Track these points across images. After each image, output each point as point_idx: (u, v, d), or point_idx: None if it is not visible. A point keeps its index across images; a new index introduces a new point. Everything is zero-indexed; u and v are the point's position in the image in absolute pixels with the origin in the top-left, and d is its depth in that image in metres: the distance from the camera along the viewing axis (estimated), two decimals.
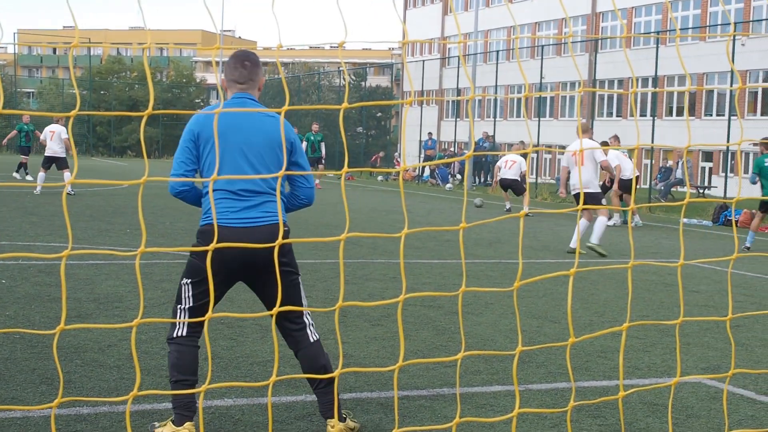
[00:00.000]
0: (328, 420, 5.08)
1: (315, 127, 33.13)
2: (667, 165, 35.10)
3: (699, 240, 18.97)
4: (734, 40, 27.96)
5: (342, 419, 5.11)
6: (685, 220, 19.52)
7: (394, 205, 25.00)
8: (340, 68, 66.24)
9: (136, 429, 5.14)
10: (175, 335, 5.02)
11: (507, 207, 25.03)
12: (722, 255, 15.61)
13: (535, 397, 6.14)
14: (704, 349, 7.89)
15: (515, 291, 2.69)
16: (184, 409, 4.94)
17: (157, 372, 6.39)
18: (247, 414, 5.50)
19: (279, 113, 4.75)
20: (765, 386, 6.70)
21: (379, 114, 60.25)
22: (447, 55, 60.54)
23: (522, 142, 33.68)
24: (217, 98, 74.19)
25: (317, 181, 33.10)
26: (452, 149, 50.26)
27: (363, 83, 64.52)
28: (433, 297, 9.61)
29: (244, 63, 5.16)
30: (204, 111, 4.87)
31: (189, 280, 4.99)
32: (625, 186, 20.54)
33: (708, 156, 44.91)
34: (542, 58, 37.00)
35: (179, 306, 5.04)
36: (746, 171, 37.06)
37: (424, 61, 49.80)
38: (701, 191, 35.17)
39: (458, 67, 45.21)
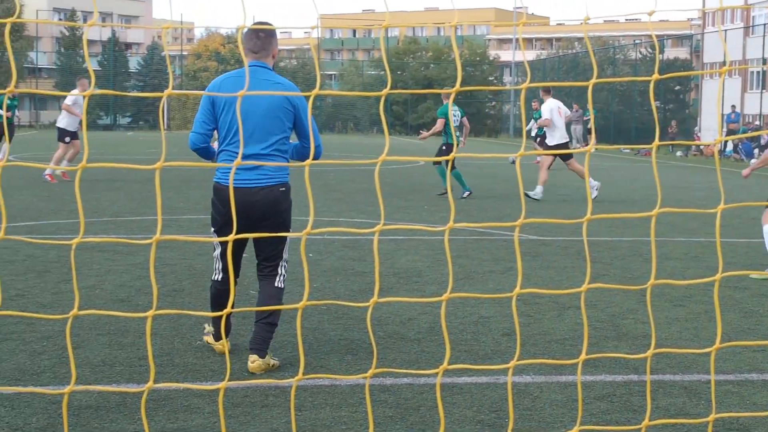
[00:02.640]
0: (251, 354, 5.77)
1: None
2: None
3: None
4: None
5: (263, 356, 5.76)
6: None
7: (694, 182, 24.11)
8: (636, 41, 64.54)
9: (435, 401, 5.25)
10: (213, 279, 6.06)
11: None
12: None
13: None
14: None
15: None
16: (219, 333, 5.97)
17: (459, 346, 6.50)
18: (545, 391, 5.49)
19: (287, 81, 5.91)
20: None
21: (677, 87, 58.22)
22: (751, 24, 57.48)
23: None
24: (510, 75, 74.29)
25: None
26: (757, 122, 47.76)
27: (660, 56, 62.44)
28: (739, 277, 9.17)
29: (258, 34, 5.75)
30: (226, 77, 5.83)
31: (212, 230, 5.97)
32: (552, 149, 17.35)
33: None
34: None
35: (213, 253, 6.08)
36: None
37: (726, 30, 47.55)
38: None
39: (764, 36, 42.85)
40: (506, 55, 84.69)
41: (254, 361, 5.71)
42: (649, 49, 64.53)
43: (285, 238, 5.90)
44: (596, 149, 33.72)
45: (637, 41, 64.45)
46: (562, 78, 60.86)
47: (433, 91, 2.73)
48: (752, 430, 4.88)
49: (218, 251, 5.97)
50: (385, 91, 2.51)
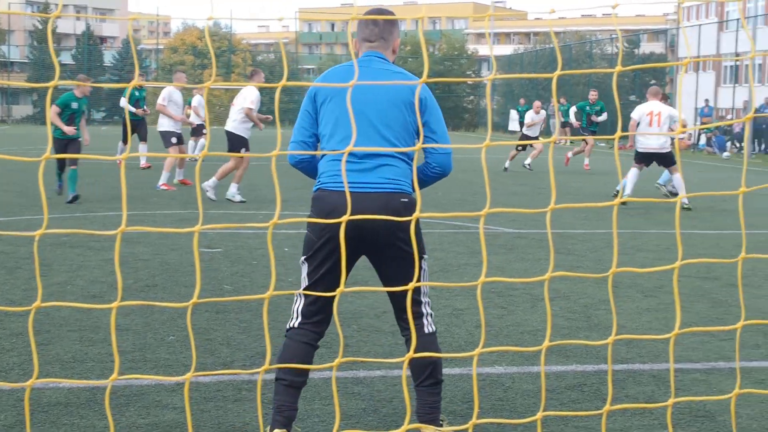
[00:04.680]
0: (422, 426, 4.46)
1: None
2: None
3: None
4: None
5: (438, 424, 4.52)
6: None
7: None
8: (613, 35, 64.81)
9: (411, 393, 5.28)
10: (288, 326, 4.50)
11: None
12: None
13: None
14: None
15: None
16: (276, 412, 4.43)
17: None
18: (518, 382, 5.52)
19: (408, 72, 4.43)
20: None
21: (653, 81, 58.51)
22: (725, 19, 57.81)
23: None
24: (489, 70, 74.35)
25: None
26: (730, 116, 48.08)
27: (636, 50, 62.79)
28: (709, 268, 9.27)
29: (376, 20, 4.58)
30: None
31: (303, 257, 4.46)
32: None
33: None
34: None
35: (298, 291, 4.49)
36: None
37: (700, 25, 47.79)
38: None
39: (737, 31, 43.10)
40: (485, 50, 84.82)
41: None
42: (626, 44, 64.77)
43: (421, 269, 4.48)
44: (571, 142, 33.81)
45: (613, 36, 64.69)
46: (540, 72, 60.99)
47: (402, 82, 2.74)
48: (717, 416, 4.95)
49: (304, 285, 4.44)
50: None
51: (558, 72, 2.85)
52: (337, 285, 4.33)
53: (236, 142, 14.34)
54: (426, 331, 4.49)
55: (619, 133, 2.64)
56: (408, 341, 4.49)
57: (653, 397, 5.27)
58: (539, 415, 2.54)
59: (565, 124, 30.70)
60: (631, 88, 53.68)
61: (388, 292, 4.53)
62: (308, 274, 4.42)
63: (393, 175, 4.36)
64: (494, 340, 6.47)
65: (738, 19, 45.71)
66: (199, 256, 9.56)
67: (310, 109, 4.51)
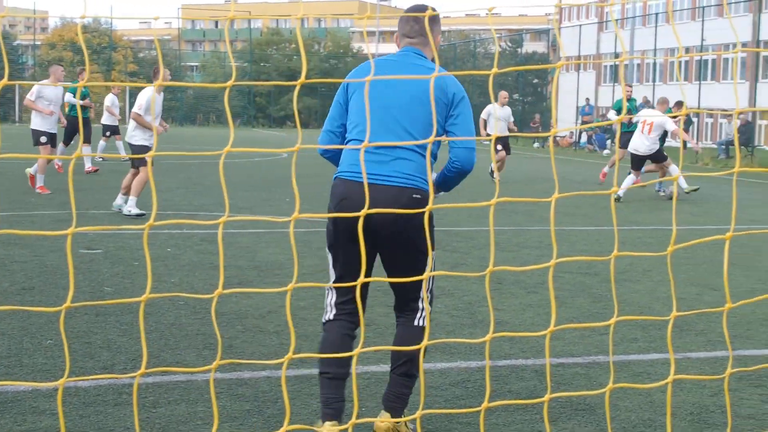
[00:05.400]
0: (383, 410, 4.54)
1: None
2: None
3: None
4: None
5: (396, 415, 4.53)
6: None
7: (551, 173, 24.71)
8: (496, 35, 65.83)
9: (293, 393, 5.26)
10: (324, 320, 4.57)
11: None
12: None
13: (694, 366, 6.00)
14: None
15: (669, 256, 2.62)
16: (324, 406, 4.46)
17: (315, 338, 6.50)
18: None
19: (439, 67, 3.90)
20: None
21: (536, 81, 59.60)
22: (605, 19, 59.23)
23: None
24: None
25: None
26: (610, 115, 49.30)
27: (519, 50, 63.87)
28: (589, 264, 9.47)
29: (416, 17, 4.66)
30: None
31: (327, 246, 4.60)
32: None
33: None
34: (703, 20, 35.85)
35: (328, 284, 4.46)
36: None
37: (581, 25, 48.82)
38: None
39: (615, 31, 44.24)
40: (371, 48, 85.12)
41: (383, 421, 4.48)
42: (509, 43, 65.83)
43: (422, 265, 4.39)
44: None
45: (497, 35, 65.73)
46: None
47: (290, 83, 2.72)
48: (597, 409, 5.06)
49: (333, 279, 4.56)
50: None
51: (435, 73, 2.87)
52: (356, 272, 4.39)
53: (138, 153, 12.89)
54: (415, 324, 4.60)
55: (495, 134, 2.67)
56: (397, 328, 4.65)
57: (535, 392, 5.36)
58: (418, 413, 2.55)
59: None
60: (514, 87, 54.54)
61: (392, 284, 4.66)
62: (333, 266, 4.58)
63: (408, 170, 4.37)
64: (380, 339, 6.48)
65: (617, 20, 46.84)
66: (80, 258, 9.36)
67: (341, 100, 4.60)
